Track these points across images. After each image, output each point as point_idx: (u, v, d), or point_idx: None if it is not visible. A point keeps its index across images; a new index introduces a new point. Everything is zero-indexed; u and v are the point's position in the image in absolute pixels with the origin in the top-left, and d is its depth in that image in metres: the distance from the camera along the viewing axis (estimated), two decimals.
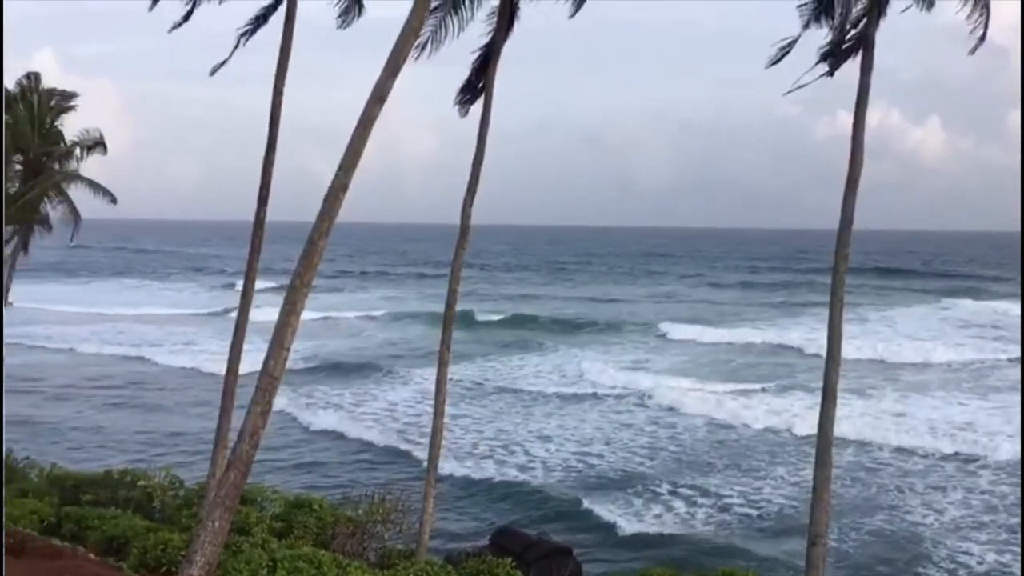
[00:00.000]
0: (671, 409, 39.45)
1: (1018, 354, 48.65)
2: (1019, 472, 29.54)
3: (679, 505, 27.17)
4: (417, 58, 17.94)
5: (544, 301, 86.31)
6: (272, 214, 18.79)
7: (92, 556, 14.45)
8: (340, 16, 19.68)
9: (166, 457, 28.68)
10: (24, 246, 26.53)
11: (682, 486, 28.76)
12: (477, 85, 20.00)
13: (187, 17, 18.53)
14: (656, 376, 46.59)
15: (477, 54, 19.78)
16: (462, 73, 19.84)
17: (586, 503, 26.94)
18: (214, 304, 79.17)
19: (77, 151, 26.42)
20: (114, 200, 26.35)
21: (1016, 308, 68.21)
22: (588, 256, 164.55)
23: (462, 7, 19.05)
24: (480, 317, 68.08)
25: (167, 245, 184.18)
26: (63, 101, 26.46)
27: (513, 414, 39.08)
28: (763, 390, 43.19)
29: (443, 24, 18.77)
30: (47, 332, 57.14)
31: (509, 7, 18.88)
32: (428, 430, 19.21)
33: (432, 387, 19.92)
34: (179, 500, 19.86)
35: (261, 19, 19.19)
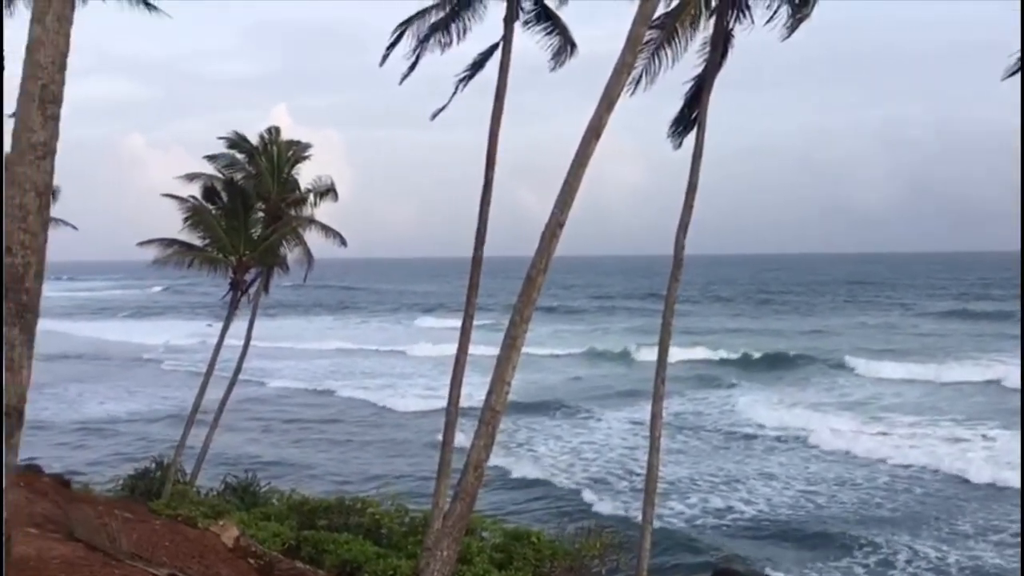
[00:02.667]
0: (844, 452, 36.97)
1: None
2: None
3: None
4: (632, 93, 18.07)
5: (733, 335, 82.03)
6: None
7: None
8: (552, 58, 20.19)
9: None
10: (266, 286, 28.85)
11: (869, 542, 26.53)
12: (690, 116, 19.86)
13: (413, 67, 19.58)
14: (826, 415, 43.94)
15: (689, 84, 19.73)
16: (661, 102, 19.70)
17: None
18: (397, 341, 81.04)
19: (311, 197, 28.51)
20: (344, 243, 28.17)
21: None
22: (792, 285, 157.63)
23: (675, 41, 19.00)
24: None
25: (379, 282, 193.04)
26: (299, 151, 28.66)
27: (699, 454, 37.90)
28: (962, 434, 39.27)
29: (655, 57, 18.74)
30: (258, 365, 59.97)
31: (723, 37, 18.67)
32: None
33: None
34: (404, 527, 20.67)
35: (478, 65, 19.98)
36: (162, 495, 24.42)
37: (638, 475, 32.13)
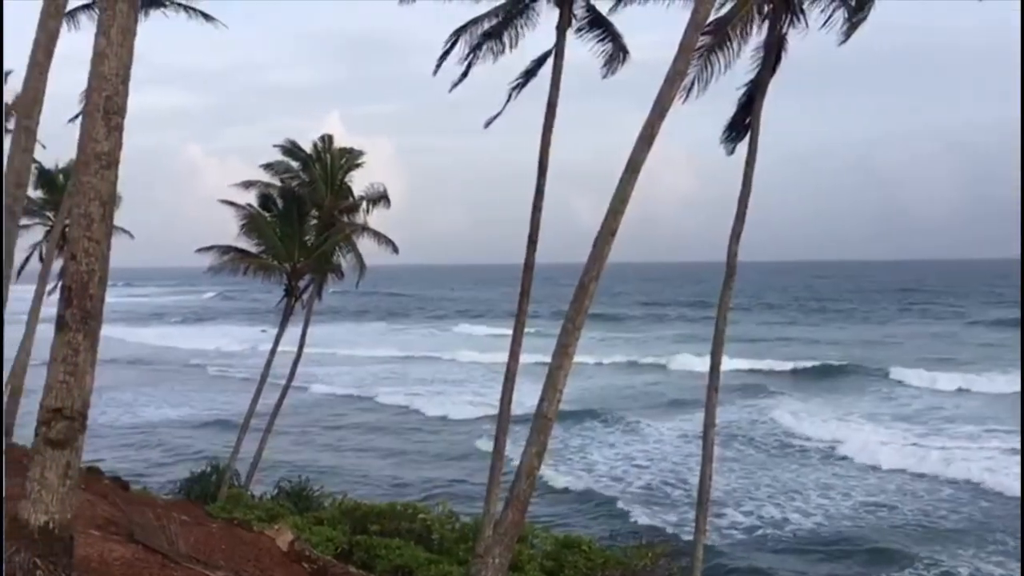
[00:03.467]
0: (871, 467, 36.08)
1: None
2: None
3: None
4: (684, 100, 17.92)
5: (784, 343, 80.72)
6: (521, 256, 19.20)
7: None
8: (605, 65, 20.14)
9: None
10: (319, 293, 29.19)
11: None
12: (743, 122, 19.67)
13: (464, 75, 19.67)
14: (881, 427, 42.96)
15: (742, 90, 19.55)
16: (709, 107, 19.54)
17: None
18: (443, 348, 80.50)
19: (364, 204, 28.79)
20: (396, 249, 28.39)
21: None
22: (846, 292, 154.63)
23: (727, 46, 18.84)
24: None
25: (428, 288, 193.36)
26: (352, 159, 28.98)
27: (754, 464, 37.29)
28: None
29: (707, 63, 18.58)
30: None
31: (777, 41, 18.46)
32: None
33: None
34: (455, 533, 20.71)
35: (531, 72, 20.02)
36: (217, 498, 24.79)
37: (690, 484, 31.83)
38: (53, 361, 7.69)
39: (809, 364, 64.40)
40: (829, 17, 18.19)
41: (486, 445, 37.99)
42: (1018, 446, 37.33)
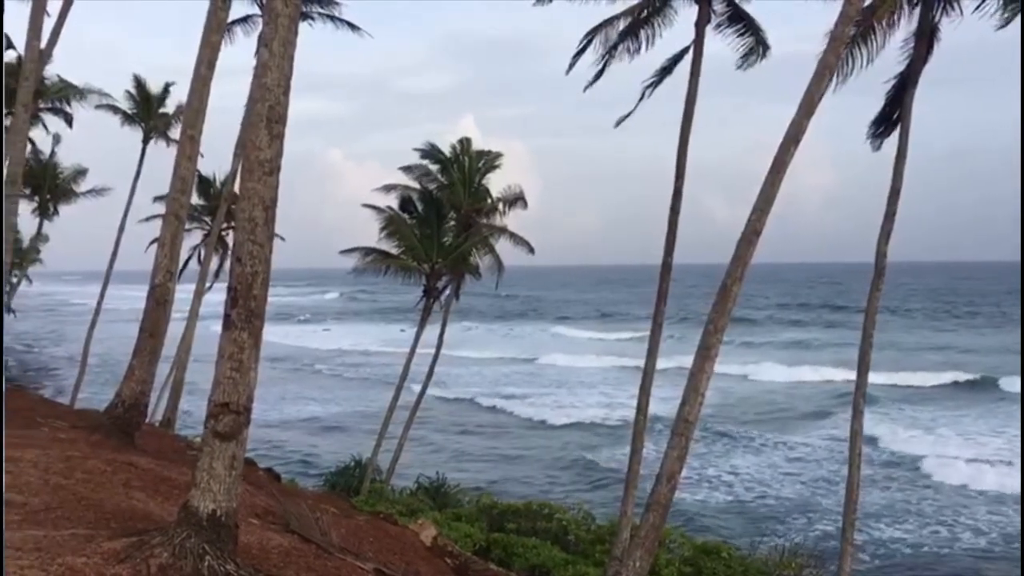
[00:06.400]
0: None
1: None
2: None
3: None
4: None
5: (926, 352, 75.93)
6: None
7: None
8: (742, 58, 19.76)
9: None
10: (456, 293, 29.75)
11: None
12: (891, 115, 18.90)
13: (599, 75, 19.64)
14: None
15: (891, 83, 18.81)
16: (852, 102, 18.82)
17: None
18: (570, 349, 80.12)
19: (501, 206, 29.17)
20: (532, 250, 28.64)
21: None
22: (993, 296, 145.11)
23: (871, 38, 18.17)
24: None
25: (559, 290, 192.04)
26: (490, 161, 29.42)
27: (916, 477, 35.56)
28: None
29: (849, 55, 17.95)
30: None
31: (929, 30, 17.65)
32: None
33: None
34: (591, 535, 20.72)
35: (666, 71, 19.83)
36: (360, 492, 25.62)
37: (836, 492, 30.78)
38: (220, 358, 8.11)
39: (963, 376, 60.22)
40: (982, 1, 17.30)
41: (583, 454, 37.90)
42: None
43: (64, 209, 47.14)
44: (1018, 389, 53.68)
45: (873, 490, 33.41)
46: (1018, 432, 43.00)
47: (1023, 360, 49.80)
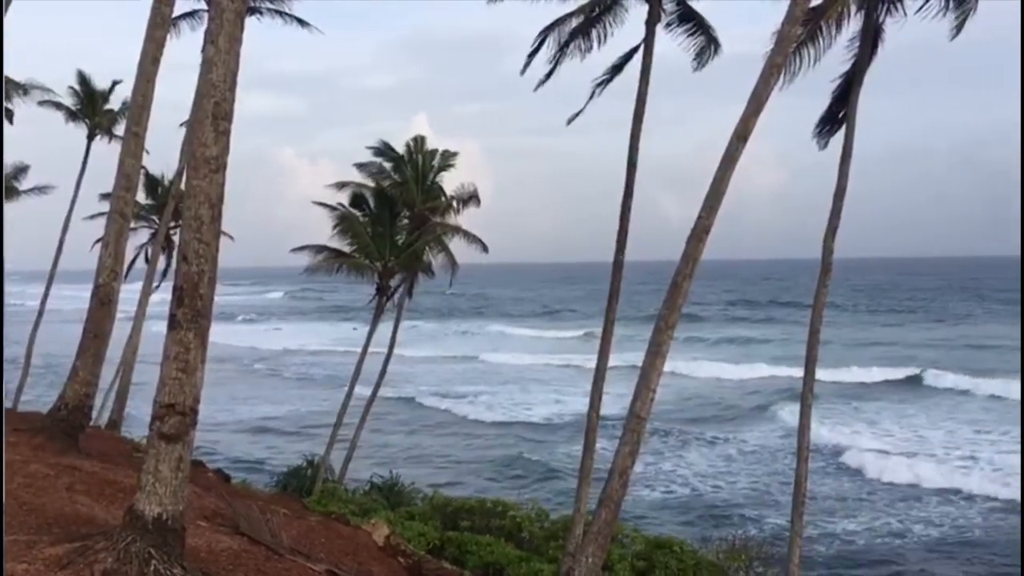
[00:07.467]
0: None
1: None
2: None
3: None
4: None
5: (866, 347, 76.64)
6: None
7: None
8: (696, 58, 19.92)
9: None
10: (409, 292, 29.62)
11: None
12: (837, 115, 19.22)
13: (550, 75, 19.67)
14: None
15: (836, 82, 19.11)
16: (797, 102, 19.12)
17: None
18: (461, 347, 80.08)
19: (454, 204, 29.10)
20: (485, 249, 28.62)
21: None
22: (917, 291, 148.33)
23: (818, 38, 18.47)
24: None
25: (508, 288, 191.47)
26: (443, 160, 29.36)
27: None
28: None
29: (796, 55, 18.22)
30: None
31: (873, 31, 17.97)
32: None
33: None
34: (545, 531, 20.75)
35: (617, 69, 19.91)
36: (312, 492, 25.39)
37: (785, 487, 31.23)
38: (166, 359, 8.00)
39: (893, 372, 60.38)
40: (925, 3, 17.65)
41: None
42: None
43: (6, 207, 45.99)
44: (947, 384, 55.31)
45: (824, 484, 34.05)
46: (957, 426, 44.25)
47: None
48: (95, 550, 7.69)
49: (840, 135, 18.54)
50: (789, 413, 41.32)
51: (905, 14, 18.09)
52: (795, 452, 18.21)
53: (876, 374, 59.48)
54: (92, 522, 9.27)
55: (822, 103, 19.32)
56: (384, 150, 29.03)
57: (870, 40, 18.12)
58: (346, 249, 28.40)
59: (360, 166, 28.91)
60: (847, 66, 18.78)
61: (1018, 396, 49.56)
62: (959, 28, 17.28)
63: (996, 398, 50.69)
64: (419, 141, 29.30)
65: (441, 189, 29.36)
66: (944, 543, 27.93)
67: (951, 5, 17.43)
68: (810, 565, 23.43)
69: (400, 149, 29.10)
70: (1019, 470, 32.43)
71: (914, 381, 57.63)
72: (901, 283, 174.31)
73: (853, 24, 18.29)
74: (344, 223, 28.10)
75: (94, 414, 18.56)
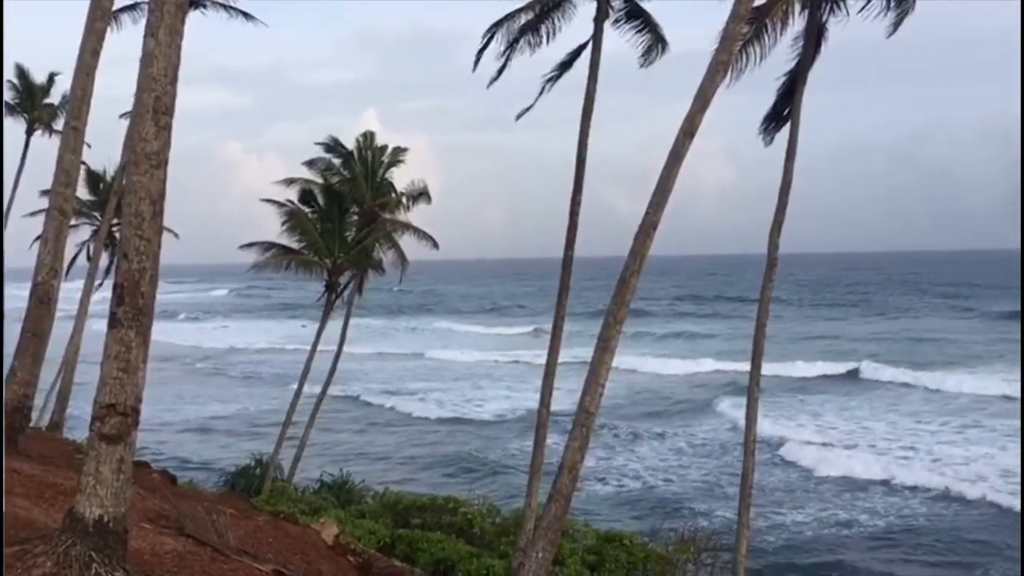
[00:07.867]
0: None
1: None
2: None
3: None
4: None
5: (810, 341, 78.17)
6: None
7: None
8: (643, 55, 20.05)
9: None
10: (359, 289, 29.42)
11: None
12: (782, 112, 19.50)
13: (502, 70, 19.66)
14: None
15: (781, 80, 19.38)
16: (747, 99, 19.38)
17: None
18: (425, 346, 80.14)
19: (405, 201, 28.96)
20: (436, 245, 28.52)
21: None
22: (859, 285, 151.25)
23: (764, 36, 18.71)
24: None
25: (460, 284, 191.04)
26: (393, 156, 29.18)
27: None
28: None
29: (743, 52, 18.44)
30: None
31: (816, 31, 18.26)
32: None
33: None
34: (496, 527, 20.77)
35: (566, 65, 19.97)
36: (261, 492, 25.12)
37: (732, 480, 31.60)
38: (106, 358, 7.83)
39: (832, 365, 60.83)
40: (867, 3, 17.98)
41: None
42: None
43: None
44: (888, 377, 56.17)
45: (771, 476, 34.57)
46: (899, 418, 45.25)
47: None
48: (34, 554, 7.52)
49: (785, 132, 18.84)
50: (736, 407, 41.79)
51: (848, 13, 18.40)
52: (743, 445, 18.45)
53: (820, 368, 60.14)
54: (31, 526, 9.06)
55: (768, 100, 19.61)
56: (333, 146, 28.78)
57: (814, 39, 18.40)
58: (295, 246, 28.12)
59: (309, 163, 28.63)
60: (792, 64, 19.05)
61: (954, 389, 51.30)
62: (896, 26, 17.64)
63: (935, 391, 51.78)
64: (368, 137, 29.11)
65: (391, 185, 29.19)
66: (890, 532, 28.55)
67: (891, 4, 17.81)
68: (760, 555, 23.81)
69: (349, 145, 28.88)
70: (959, 461, 33.29)
71: (856, 374, 58.44)
72: (844, 278, 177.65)
73: (798, 23, 18.55)
74: (293, 220, 27.81)
75: (35, 415, 18.16)
